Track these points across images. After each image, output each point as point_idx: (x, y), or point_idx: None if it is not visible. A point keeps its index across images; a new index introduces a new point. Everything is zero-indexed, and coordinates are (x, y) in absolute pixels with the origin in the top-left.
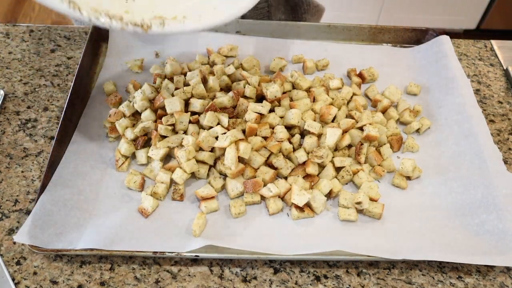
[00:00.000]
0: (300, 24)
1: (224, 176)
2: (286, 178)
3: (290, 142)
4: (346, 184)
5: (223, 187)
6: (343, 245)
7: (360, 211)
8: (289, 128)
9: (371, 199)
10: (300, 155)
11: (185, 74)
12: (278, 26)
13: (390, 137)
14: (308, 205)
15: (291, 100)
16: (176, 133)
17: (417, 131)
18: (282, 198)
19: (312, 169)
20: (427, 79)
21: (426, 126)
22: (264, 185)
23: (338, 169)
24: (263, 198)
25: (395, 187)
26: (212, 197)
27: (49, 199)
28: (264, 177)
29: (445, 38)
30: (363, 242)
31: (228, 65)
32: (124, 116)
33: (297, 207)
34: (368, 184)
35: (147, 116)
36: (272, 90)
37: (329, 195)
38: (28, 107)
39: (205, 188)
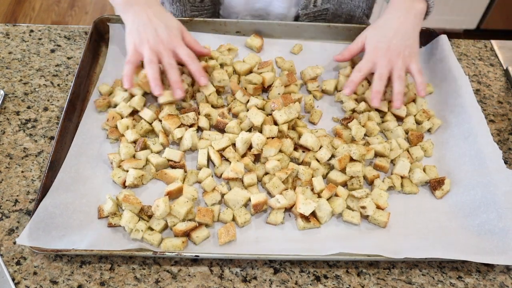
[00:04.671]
0: (300, 24)
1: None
2: (295, 188)
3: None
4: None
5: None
6: (344, 247)
7: (365, 217)
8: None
9: (378, 207)
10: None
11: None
12: (278, 26)
13: (411, 133)
14: (313, 214)
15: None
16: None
17: (429, 130)
18: (289, 209)
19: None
20: (427, 80)
21: (437, 125)
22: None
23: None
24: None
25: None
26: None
27: (51, 203)
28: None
29: (444, 38)
30: (364, 241)
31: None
32: (122, 117)
33: (303, 216)
34: (379, 192)
35: (147, 113)
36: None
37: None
38: (28, 107)
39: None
